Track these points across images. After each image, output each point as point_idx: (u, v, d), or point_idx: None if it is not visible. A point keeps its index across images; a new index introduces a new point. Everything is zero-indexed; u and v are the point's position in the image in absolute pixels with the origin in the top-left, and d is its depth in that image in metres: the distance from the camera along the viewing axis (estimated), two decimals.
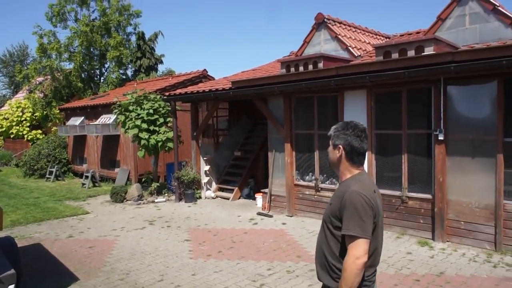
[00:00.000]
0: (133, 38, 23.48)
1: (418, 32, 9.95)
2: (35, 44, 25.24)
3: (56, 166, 16.00)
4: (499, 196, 6.08)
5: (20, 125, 20.76)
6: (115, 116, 12.26)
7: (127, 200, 11.02)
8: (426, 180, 6.95)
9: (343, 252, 2.26)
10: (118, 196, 11.03)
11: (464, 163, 6.47)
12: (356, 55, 9.18)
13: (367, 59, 8.60)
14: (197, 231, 7.86)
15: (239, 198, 11.01)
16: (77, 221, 8.96)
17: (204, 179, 11.32)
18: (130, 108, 11.36)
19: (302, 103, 8.92)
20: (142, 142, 11.05)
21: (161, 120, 11.33)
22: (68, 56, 20.93)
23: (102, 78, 23.05)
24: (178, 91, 11.46)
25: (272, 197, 9.41)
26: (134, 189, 11.13)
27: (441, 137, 6.57)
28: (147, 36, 24.33)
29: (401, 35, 10.72)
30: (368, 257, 2.21)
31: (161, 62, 25.36)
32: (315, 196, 8.57)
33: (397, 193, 7.20)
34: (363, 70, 7.18)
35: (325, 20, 9.73)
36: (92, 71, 22.42)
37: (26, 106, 20.79)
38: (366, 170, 7.53)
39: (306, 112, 8.81)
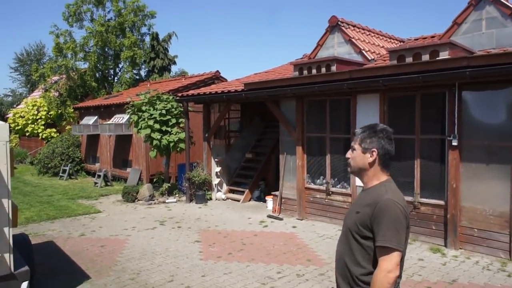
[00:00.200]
0: (147, 39, 23.78)
1: (433, 36, 9.84)
2: (52, 43, 25.66)
3: (69, 165, 16.21)
4: None
5: (35, 123, 21.12)
6: (128, 116, 12.38)
7: (138, 200, 11.11)
8: (439, 186, 6.87)
9: (370, 264, 2.14)
10: (130, 196, 11.12)
11: (478, 169, 6.37)
12: (370, 58, 9.13)
13: (381, 63, 8.54)
14: (207, 233, 7.88)
15: (249, 200, 11.02)
16: (89, 220, 9.06)
17: (215, 181, 11.35)
18: (143, 108, 11.46)
19: (314, 106, 8.90)
20: (154, 142, 11.13)
21: (174, 120, 11.40)
22: (83, 55, 21.26)
23: (116, 78, 23.33)
24: (190, 92, 11.52)
25: (283, 200, 9.40)
26: (145, 189, 11.22)
27: (455, 143, 6.49)
28: (161, 37, 24.55)
29: (415, 39, 10.62)
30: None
31: (174, 63, 25.57)
32: (326, 200, 8.53)
33: (409, 198, 7.13)
34: (377, 74, 7.14)
35: (339, 23, 9.70)
36: (106, 71, 22.72)
37: (42, 104, 21.15)
38: None
39: (318, 115, 8.78)
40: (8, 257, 4.04)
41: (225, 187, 11.61)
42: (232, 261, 6.17)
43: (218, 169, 11.42)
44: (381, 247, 2.06)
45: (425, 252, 6.46)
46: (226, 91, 10.09)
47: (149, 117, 11.21)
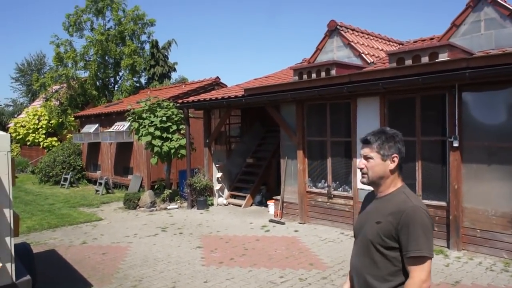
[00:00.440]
0: (147, 47, 23.89)
1: (432, 39, 9.86)
2: (52, 53, 25.75)
3: (70, 173, 16.22)
4: None
5: (36, 132, 21.16)
6: (129, 123, 12.40)
7: (140, 207, 11.09)
8: (441, 188, 6.85)
9: (397, 276, 2.04)
10: (131, 203, 11.11)
11: (480, 170, 6.36)
12: (369, 62, 9.13)
13: (380, 66, 8.55)
14: (209, 238, 7.86)
15: (251, 205, 10.99)
16: (91, 228, 9.04)
17: (217, 186, 11.34)
18: (144, 115, 11.48)
19: (314, 110, 8.90)
20: (155, 149, 11.14)
21: (174, 127, 11.42)
22: (84, 64, 21.36)
23: (116, 86, 23.42)
24: (191, 99, 11.55)
25: (284, 204, 9.37)
26: (147, 196, 11.21)
27: (456, 144, 6.48)
28: (160, 44, 24.68)
29: (414, 42, 10.64)
30: None
31: (174, 70, 25.68)
32: (328, 204, 8.50)
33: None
34: (376, 77, 7.15)
35: (338, 27, 9.73)
36: (107, 79, 22.80)
37: (42, 114, 21.21)
38: None
39: (318, 119, 8.79)
40: (10, 267, 4.02)
41: (226, 192, 11.59)
42: (234, 267, 6.14)
43: (219, 174, 11.41)
44: (415, 257, 1.96)
45: None
46: (226, 97, 10.10)
47: (149, 124, 11.22)
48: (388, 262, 2.05)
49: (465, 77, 6.04)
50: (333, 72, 8.18)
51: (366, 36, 10.48)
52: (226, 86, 14.80)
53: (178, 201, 11.45)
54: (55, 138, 21.15)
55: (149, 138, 11.10)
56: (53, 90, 21.69)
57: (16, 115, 33.31)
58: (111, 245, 7.55)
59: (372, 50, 9.93)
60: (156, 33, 58.47)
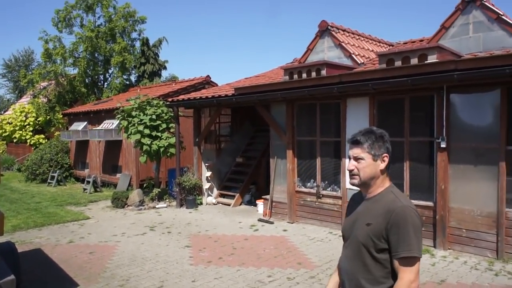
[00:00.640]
0: (138, 44, 23.67)
1: (421, 40, 9.95)
2: (41, 49, 25.40)
3: (58, 171, 16.02)
4: (501, 204, 6.04)
5: (23, 129, 20.85)
6: (118, 121, 12.30)
7: (128, 205, 11.01)
8: (428, 188, 6.92)
9: (389, 277, 2.02)
10: (119, 202, 11.02)
11: (466, 171, 6.44)
12: (360, 62, 9.19)
13: (370, 67, 8.61)
14: (197, 237, 7.83)
15: (240, 205, 10.99)
16: (78, 227, 8.94)
17: (206, 185, 11.31)
18: (133, 113, 11.39)
19: (304, 110, 8.93)
20: (144, 147, 11.06)
21: (164, 125, 11.36)
22: (73, 61, 21.10)
23: (105, 83, 23.19)
24: (181, 97, 11.49)
25: (273, 204, 9.38)
26: (135, 195, 11.13)
27: (443, 145, 6.55)
28: (151, 42, 24.50)
29: (404, 43, 10.73)
30: None
31: (165, 68, 25.53)
32: (317, 203, 8.53)
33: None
34: (366, 77, 7.19)
35: (329, 27, 9.77)
36: (96, 77, 22.56)
37: (30, 110, 20.91)
38: None
39: (308, 119, 8.81)
40: None
41: (215, 191, 11.56)
42: (222, 266, 6.13)
43: (208, 173, 11.38)
44: (406, 258, 1.95)
45: None
46: (217, 95, 10.08)
47: (139, 122, 11.15)
48: (380, 265, 2.03)
49: (453, 79, 6.11)
50: (324, 72, 8.21)
51: (357, 37, 10.54)
52: (216, 85, 14.77)
53: (167, 200, 11.39)
54: (42, 136, 20.87)
55: (138, 136, 11.02)
56: (41, 87, 21.39)
57: (2, 112, 32.82)
58: (98, 244, 7.48)
59: (363, 51, 10.00)
60: (147, 30, 57.98)
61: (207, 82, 14.99)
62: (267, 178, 10.36)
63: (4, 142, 23.29)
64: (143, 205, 10.94)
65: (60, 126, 19.99)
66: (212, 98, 10.12)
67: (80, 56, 21.09)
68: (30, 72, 25.75)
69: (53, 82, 20.60)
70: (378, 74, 7.06)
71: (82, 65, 20.57)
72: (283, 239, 7.60)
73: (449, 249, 6.55)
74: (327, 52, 9.88)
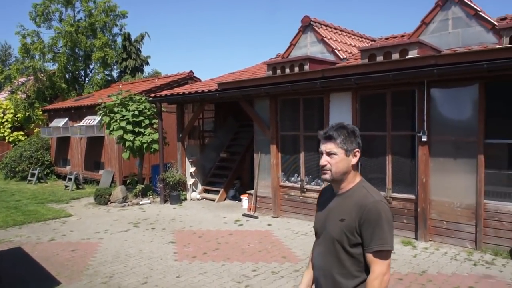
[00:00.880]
0: (119, 39, 23.36)
1: (402, 36, 10.08)
2: (18, 44, 24.79)
3: (38, 168, 15.71)
4: (480, 196, 6.19)
5: (1, 126, 20.33)
6: (100, 117, 12.12)
7: (111, 202, 10.89)
8: (410, 181, 7.04)
9: (363, 271, 2.06)
10: (102, 198, 10.89)
11: (447, 164, 6.57)
12: (342, 57, 9.26)
13: (353, 62, 8.69)
14: (182, 233, 7.80)
15: (224, 200, 10.98)
16: (60, 224, 8.80)
17: (190, 181, 11.26)
18: (115, 109, 11.25)
19: (288, 105, 8.96)
20: (127, 143, 10.94)
21: (147, 121, 11.24)
22: (52, 56, 20.67)
23: (86, 79, 22.80)
24: (164, 93, 11.40)
25: (258, 199, 9.41)
26: (118, 191, 11.01)
27: (424, 139, 6.67)
28: (133, 37, 24.18)
29: (386, 38, 10.85)
30: None
31: (147, 63, 25.24)
32: (301, 197, 8.59)
33: (381, 193, 7.22)
34: (349, 72, 7.25)
35: (312, 22, 9.81)
36: (77, 72, 22.16)
37: (8, 107, 20.39)
38: None
39: (292, 113, 8.85)
40: None
41: (200, 187, 11.53)
42: (207, 261, 6.13)
43: (192, 169, 11.33)
44: (380, 251, 1.99)
45: (396, 245, 6.59)
46: (200, 91, 10.02)
47: (121, 118, 11.01)
48: (354, 259, 2.06)
49: (433, 74, 6.21)
50: (307, 67, 8.25)
51: (339, 32, 10.61)
52: (200, 80, 14.68)
53: (151, 196, 11.31)
54: (21, 133, 20.39)
55: (120, 132, 10.89)
56: (19, 83, 20.90)
57: None
58: (81, 242, 7.38)
59: (345, 46, 10.08)
60: (128, 25, 57.17)
61: (190, 78, 14.88)
62: (252, 173, 10.38)
63: None
64: (127, 202, 10.84)
65: (40, 123, 19.59)
66: (196, 94, 10.06)
67: (60, 51, 20.67)
68: (7, 68, 25.12)
69: (32, 77, 20.15)
70: (360, 69, 7.13)
71: (62, 61, 20.17)
72: (268, 233, 7.63)
73: (430, 240, 6.69)
74: (310, 47, 9.93)
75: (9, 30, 66.02)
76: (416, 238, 6.82)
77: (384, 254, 2.00)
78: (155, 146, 11.10)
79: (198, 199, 11.18)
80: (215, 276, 5.50)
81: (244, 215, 9.11)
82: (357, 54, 9.35)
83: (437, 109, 6.68)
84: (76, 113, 15.57)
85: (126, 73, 23.56)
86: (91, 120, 14.13)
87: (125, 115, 11.02)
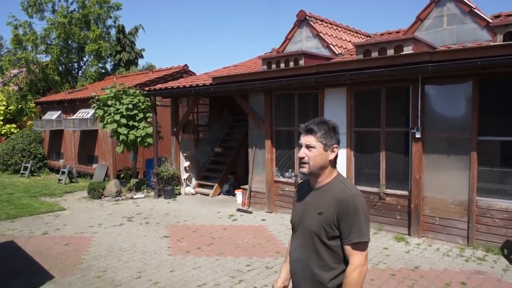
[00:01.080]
0: (113, 32, 23.10)
1: (398, 32, 10.09)
2: (10, 35, 24.44)
3: (31, 162, 15.60)
4: (472, 193, 6.25)
5: None
6: (93, 110, 12.04)
7: (105, 196, 10.85)
8: (403, 177, 7.08)
9: (341, 263, 2.12)
10: (96, 192, 10.84)
11: (440, 160, 6.62)
12: (337, 53, 9.25)
13: (348, 57, 8.68)
14: (176, 228, 7.80)
15: (219, 195, 10.99)
16: (53, 218, 8.76)
17: (184, 175, 11.24)
18: (109, 102, 11.17)
19: (283, 99, 8.95)
20: (121, 137, 10.88)
21: (141, 115, 11.18)
22: (45, 48, 20.41)
23: (80, 71, 22.58)
24: (158, 86, 11.33)
25: (252, 194, 9.42)
26: (112, 185, 10.97)
27: (418, 135, 6.70)
28: (127, 30, 23.96)
29: (381, 34, 10.85)
30: None
31: (142, 56, 25.06)
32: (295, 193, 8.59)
33: (375, 189, 7.32)
34: (344, 68, 7.25)
35: (307, 17, 9.77)
36: (70, 64, 21.92)
37: (0, 99, 20.17)
38: (345, 167, 7.64)
39: (286, 108, 8.84)
40: None
41: (194, 181, 11.52)
42: (201, 256, 6.14)
43: (187, 163, 11.31)
44: (358, 243, 2.04)
45: (390, 241, 6.65)
46: (194, 85, 9.98)
47: (115, 111, 10.94)
48: (332, 252, 2.11)
49: (428, 70, 6.23)
50: (302, 62, 8.23)
51: (335, 28, 10.59)
52: (194, 74, 14.61)
53: (145, 191, 11.28)
54: (14, 125, 20.18)
55: (114, 126, 10.82)
56: (12, 75, 20.66)
57: None
58: (74, 236, 7.36)
59: (340, 41, 10.06)
60: (122, 18, 56.74)
61: (184, 71, 14.81)
62: (246, 168, 10.38)
63: None
64: (121, 196, 10.81)
65: (33, 115, 19.41)
66: (190, 88, 10.01)
67: (53, 43, 20.42)
68: None
69: (24, 69, 19.92)
70: (355, 64, 7.13)
71: (55, 52, 19.93)
72: (262, 228, 7.65)
73: (423, 236, 6.75)
74: (305, 42, 9.91)
75: (0, 21, 65.13)
76: (409, 234, 6.87)
77: (362, 245, 2.05)
78: (149, 140, 11.05)
79: (192, 194, 11.17)
80: (209, 271, 5.51)
81: (238, 210, 9.12)
82: (352, 50, 9.35)
83: (431, 106, 6.71)
84: (70, 106, 15.45)
85: (120, 66, 23.39)
86: (85, 113, 14.03)
87: (119, 109, 10.95)
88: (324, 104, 8.03)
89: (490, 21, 7.35)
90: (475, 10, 7.45)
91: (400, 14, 63.54)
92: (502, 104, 6.32)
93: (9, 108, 19.90)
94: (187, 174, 11.32)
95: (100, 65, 22.33)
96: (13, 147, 16.19)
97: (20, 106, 19.51)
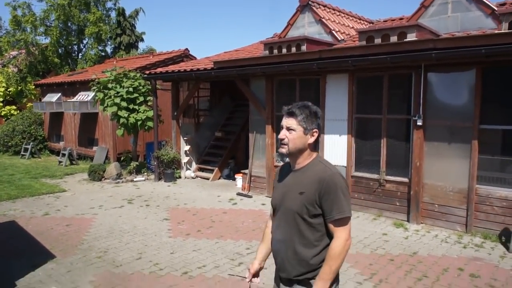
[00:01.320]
0: (113, 14, 22.85)
1: (401, 18, 10.01)
2: (8, 15, 24.18)
3: (31, 143, 15.60)
4: (472, 181, 6.28)
5: None
6: (94, 93, 11.99)
7: (105, 178, 10.89)
8: (404, 164, 7.10)
9: (322, 239, 2.19)
10: (96, 175, 10.88)
11: (441, 148, 6.63)
12: (340, 39, 9.19)
13: (350, 44, 8.63)
14: (176, 211, 7.85)
15: (219, 179, 11.03)
16: (54, 199, 8.81)
17: (184, 159, 11.27)
18: (109, 85, 11.12)
19: (284, 85, 8.91)
20: (121, 120, 10.87)
21: (141, 98, 11.15)
22: (44, 30, 20.21)
23: (80, 54, 22.41)
24: (159, 70, 11.27)
25: (252, 178, 9.46)
26: (112, 168, 11.00)
27: (419, 123, 6.70)
28: (127, 13, 23.71)
29: (384, 21, 10.76)
30: None
31: (142, 39, 24.86)
32: None
33: (375, 176, 7.35)
34: (346, 54, 7.20)
35: (310, 2, 9.68)
36: (70, 47, 21.74)
37: None
38: (346, 153, 7.66)
39: (288, 94, 8.81)
40: None
41: (194, 165, 11.55)
42: (201, 238, 6.19)
43: (187, 147, 11.33)
44: (340, 219, 2.13)
45: (389, 227, 6.71)
46: (195, 69, 9.92)
47: (115, 95, 10.89)
48: (313, 229, 2.19)
49: (431, 58, 6.19)
50: (304, 48, 8.18)
51: (338, 13, 10.50)
52: (195, 58, 14.52)
53: (145, 174, 11.32)
54: (14, 107, 20.10)
55: (115, 109, 10.80)
56: (11, 56, 20.50)
57: None
58: (75, 217, 7.41)
59: (343, 27, 9.99)
60: (122, 0, 56.14)
61: (185, 56, 14.71)
62: (246, 153, 10.40)
63: None
64: (121, 178, 10.84)
65: (33, 97, 19.32)
66: (191, 72, 9.96)
67: (52, 25, 20.22)
68: None
69: (24, 51, 19.76)
70: (358, 51, 7.08)
71: (55, 34, 19.75)
72: (261, 212, 7.70)
73: (421, 223, 6.81)
74: (307, 27, 9.83)
75: None
76: (408, 221, 6.92)
77: (344, 221, 2.14)
78: (150, 123, 11.04)
79: (193, 178, 11.22)
80: (209, 253, 5.57)
81: (238, 194, 9.17)
82: (355, 36, 9.28)
83: (434, 94, 6.69)
84: (70, 89, 15.38)
85: (120, 49, 23.21)
86: (85, 96, 13.97)
87: (119, 92, 10.91)
88: (326, 90, 8.00)
89: (496, 8, 7.29)
90: None
91: (404, 1, 62.83)
92: (505, 93, 6.30)
93: (8, 90, 19.79)
94: (188, 158, 11.34)
95: (100, 48, 22.15)
96: (13, 128, 16.18)
97: (19, 88, 19.40)
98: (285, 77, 8.71)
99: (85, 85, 13.86)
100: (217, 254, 5.55)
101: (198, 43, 67.92)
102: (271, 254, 2.46)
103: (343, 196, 2.14)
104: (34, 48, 19.77)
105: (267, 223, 2.59)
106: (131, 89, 10.98)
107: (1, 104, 19.94)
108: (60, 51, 21.03)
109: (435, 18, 8.00)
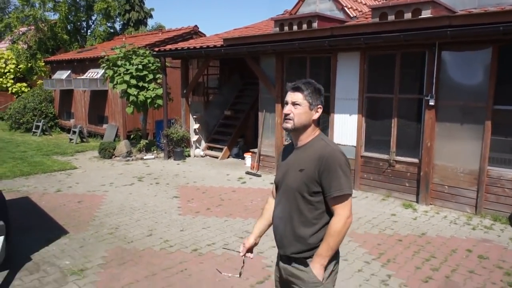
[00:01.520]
0: None
1: None
2: None
3: (42, 121, 15.76)
4: (484, 162, 6.20)
5: (4, 77, 20.17)
6: (103, 70, 11.98)
7: (115, 156, 10.99)
8: (414, 145, 7.03)
9: (321, 218, 2.19)
10: (107, 152, 10.98)
11: (453, 129, 6.53)
12: (352, 16, 8.98)
13: (363, 21, 8.42)
14: (185, 188, 7.92)
15: (228, 157, 11.06)
16: (65, 176, 8.94)
17: (194, 138, 11.29)
18: (119, 63, 11.09)
19: (294, 63, 8.79)
20: (131, 98, 10.88)
21: (151, 76, 11.11)
22: (53, 6, 20.09)
23: (89, 31, 22.32)
24: (168, 47, 11.18)
25: (261, 157, 9.47)
26: (122, 146, 11.08)
27: (431, 103, 6.59)
28: None
29: None
30: None
31: (151, 16, 24.67)
32: None
33: (385, 156, 7.30)
34: (358, 31, 7.05)
35: None
36: (79, 23, 21.66)
37: (9, 57, 20.12)
38: (356, 133, 7.60)
39: (298, 72, 8.70)
40: None
41: (203, 144, 11.58)
42: (210, 216, 6.26)
43: (196, 126, 11.33)
44: (339, 196, 2.13)
45: (397, 207, 6.70)
46: (205, 46, 9.82)
47: (125, 72, 10.87)
48: (312, 207, 2.19)
49: (446, 36, 6.03)
50: (315, 24, 8.01)
51: None
52: (204, 35, 14.36)
53: (155, 152, 11.39)
54: (24, 84, 20.26)
55: (124, 86, 10.79)
56: (20, 32, 20.48)
57: None
58: (86, 194, 7.52)
59: (355, 4, 9.74)
60: None
61: (195, 32, 14.55)
62: (255, 132, 10.39)
63: None
64: (131, 156, 10.94)
65: (43, 75, 19.41)
66: (201, 49, 9.86)
67: (60, 0, 20.08)
68: (7, 16, 24.51)
69: (33, 27, 19.72)
70: (370, 28, 6.93)
71: (63, 10, 19.65)
72: (270, 191, 7.71)
73: (430, 204, 6.78)
74: (319, 4, 9.61)
75: None
76: (417, 202, 6.90)
77: (343, 198, 2.14)
78: (159, 101, 11.04)
79: (202, 156, 11.27)
80: (218, 231, 5.64)
81: (247, 173, 9.20)
82: (367, 13, 9.05)
83: (447, 73, 6.55)
84: (79, 66, 15.39)
85: (129, 26, 23.09)
86: (94, 73, 13.98)
87: (128, 69, 10.88)
88: (337, 68, 7.88)
89: None
90: None
91: None
92: None
93: (19, 67, 19.88)
94: (197, 136, 11.36)
95: (109, 24, 22.03)
96: (24, 105, 16.32)
97: (30, 64, 19.47)
98: (296, 54, 8.58)
99: (94, 62, 13.83)
100: (226, 232, 5.62)
101: (208, 21, 67.08)
102: (268, 230, 2.51)
103: (342, 173, 2.13)
104: (43, 24, 19.71)
105: (268, 199, 2.63)
106: (140, 67, 10.94)
107: (12, 81, 20.07)
108: (69, 28, 20.97)
109: None
